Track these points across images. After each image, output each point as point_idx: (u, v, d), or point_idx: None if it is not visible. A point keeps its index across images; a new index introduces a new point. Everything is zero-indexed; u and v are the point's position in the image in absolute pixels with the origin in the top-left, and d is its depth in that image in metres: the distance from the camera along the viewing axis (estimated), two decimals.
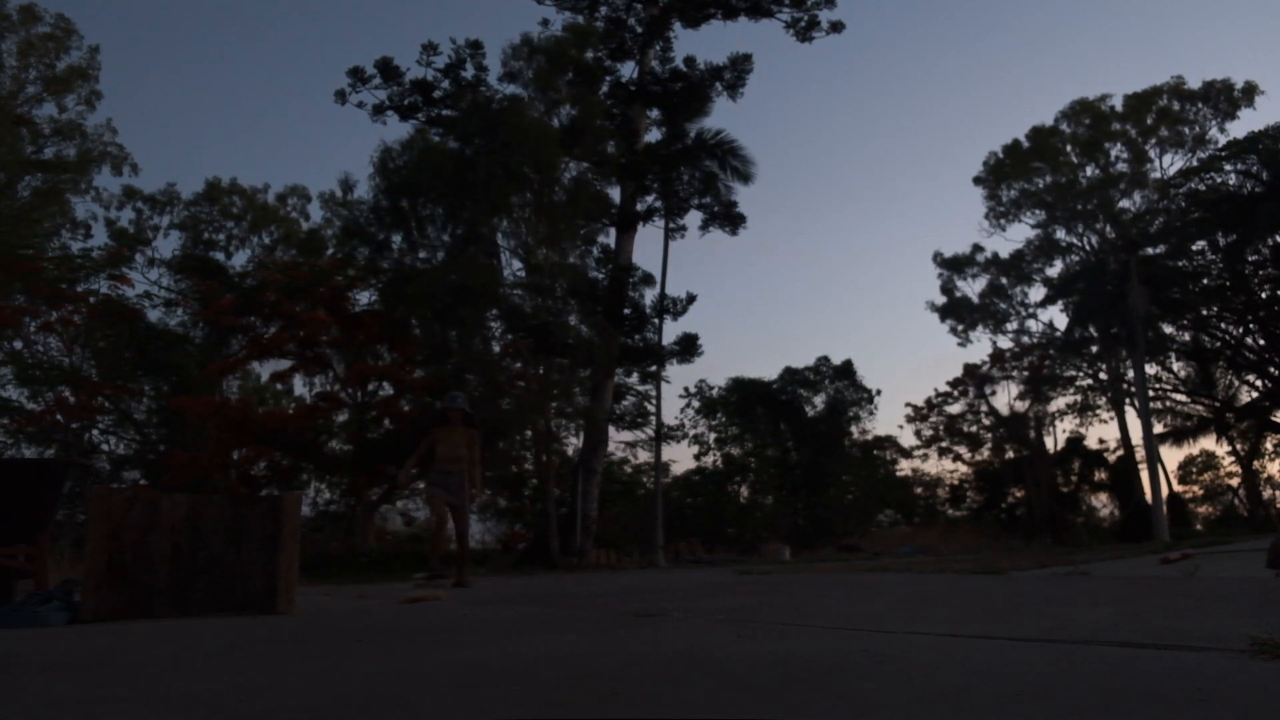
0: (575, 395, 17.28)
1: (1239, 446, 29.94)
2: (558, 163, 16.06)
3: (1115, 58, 54.74)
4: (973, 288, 30.39)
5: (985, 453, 30.39)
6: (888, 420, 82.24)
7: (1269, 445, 30.84)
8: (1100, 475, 29.03)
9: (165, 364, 18.86)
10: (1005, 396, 31.83)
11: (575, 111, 17.14)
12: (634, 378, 20.35)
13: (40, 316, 17.81)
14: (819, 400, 28.55)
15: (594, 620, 3.39)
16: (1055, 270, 28.84)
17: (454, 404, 7.81)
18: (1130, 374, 25.89)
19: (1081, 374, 29.59)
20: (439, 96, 18.65)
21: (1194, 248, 25.36)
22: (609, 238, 18.87)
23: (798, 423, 27.65)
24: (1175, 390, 29.02)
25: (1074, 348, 27.43)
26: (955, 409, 30.53)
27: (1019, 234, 44.56)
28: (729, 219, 18.82)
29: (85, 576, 4.01)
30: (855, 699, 1.59)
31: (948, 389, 30.48)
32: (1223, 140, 26.09)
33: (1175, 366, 28.77)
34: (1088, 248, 28.29)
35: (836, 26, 20.19)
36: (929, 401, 31.00)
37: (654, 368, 18.72)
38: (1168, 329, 26.91)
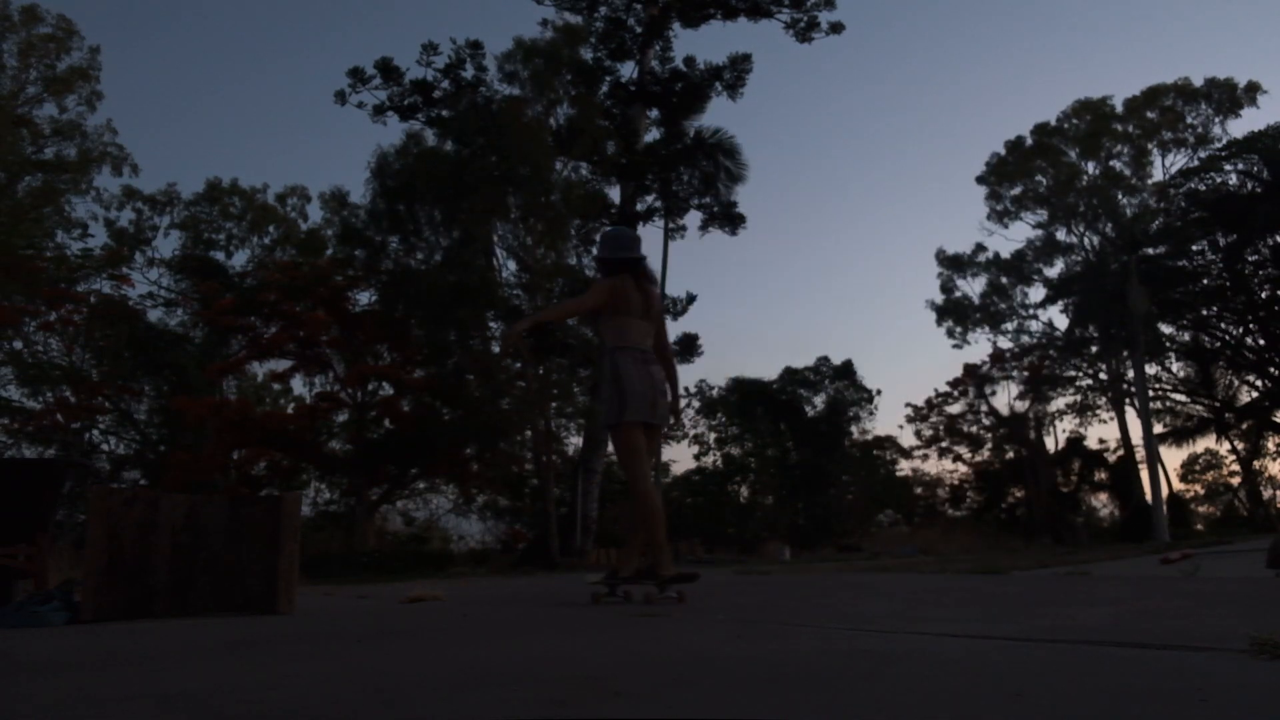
0: (575, 395, 17.26)
1: (1239, 446, 29.95)
2: (551, 163, 16.06)
3: (1119, 57, 54.77)
4: (973, 287, 30.47)
5: (985, 453, 30.41)
6: (888, 420, 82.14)
7: (1270, 445, 30.86)
8: (1100, 475, 29.04)
9: (165, 364, 18.86)
10: (1005, 396, 31.89)
11: (573, 112, 17.15)
12: None
13: (40, 316, 17.82)
14: (819, 400, 28.56)
15: (594, 620, 3.39)
16: (1056, 270, 28.91)
17: (639, 251, 4.49)
18: (1130, 374, 25.89)
19: (1081, 374, 29.61)
20: (439, 97, 18.63)
21: (1194, 248, 25.35)
22: None
23: (798, 423, 27.64)
24: (1175, 390, 29.03)
25: (1074, 348, 27.44)
26: (955, 409, 30.57)
27: (1020, 233, 44.65)
28: (729, 219, 18.82)
29: (85, 576, 4.01)
30: (855, 699, 1.59)
31: (948, 389, 30.52)
32: (1225, 138, 26.15)
33: (1175, 366, 28.80)
34: (1088, 247, 28.31)
35: (836, 27, 20.17)
36: (929, 401, 31.03)
37: None
38: (1168, 329, 26.92)
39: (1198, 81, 27.35)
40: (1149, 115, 27.48)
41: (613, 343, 4.21)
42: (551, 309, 4.21)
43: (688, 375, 28.28)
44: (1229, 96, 26.98)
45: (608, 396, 4.15)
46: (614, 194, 18.98)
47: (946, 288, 30.50)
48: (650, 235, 25.59)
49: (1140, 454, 25.87)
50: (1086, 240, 28.55)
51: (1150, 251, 25.08)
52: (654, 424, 4.18)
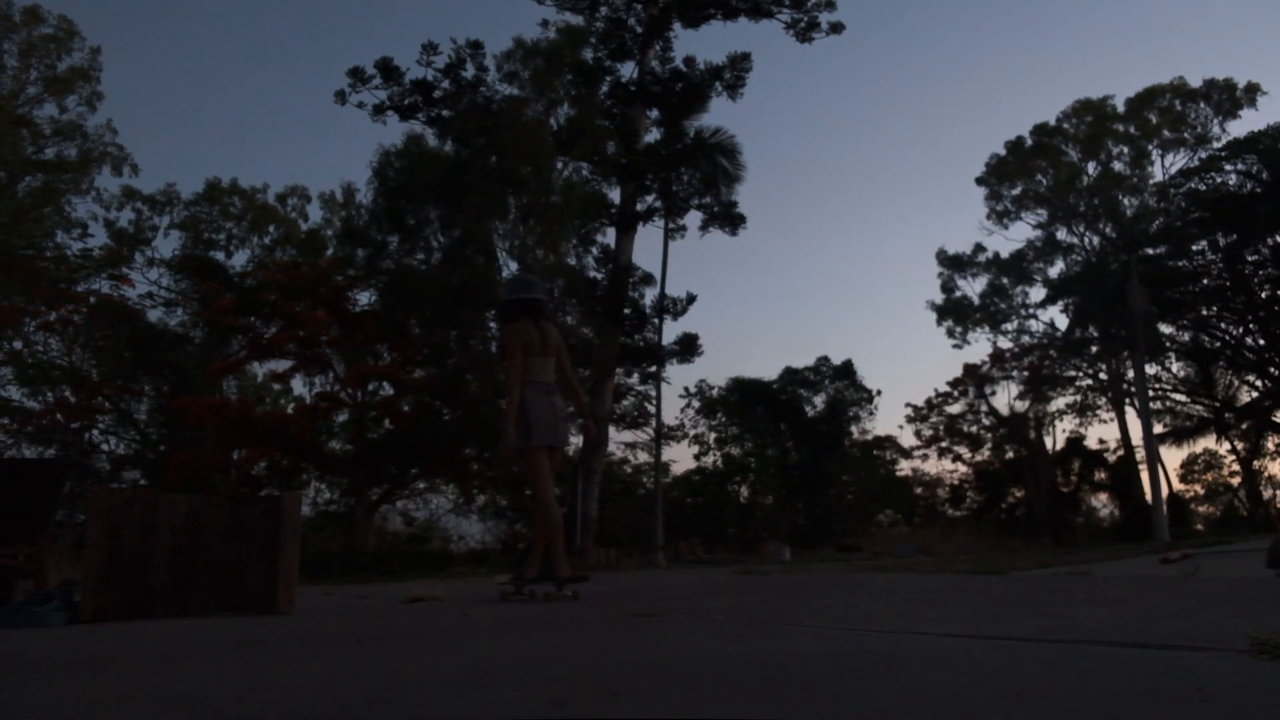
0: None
1: (1239, 446, 29.95)
2: (552, 164, 16.05)
3: (1119, 57, 54.73)
4: (973, 287, 30.46)
5: (985, 453, 30.41)
6: (888, 420, 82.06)
7: (1269, 445, 30.86)
8: (1100, 475, 29.04)
9: (165, 364, 18.86)
10: (1005, 396, 31.88)
11: (573, 112, 17.15)
12: (634, 378, 20.35)
13: (40, 316, 17.81)
14: (819, 400, 28.57)
15: (594, 620, 3.39)
16: (1056, 270, 28.91)
17: (539, 293, 5.16)
18: (1130, 374, 25.88)
19: (1081, 374, 29.60)
20: (439, 97, 18.63)
21: (1194, 248, 25.35)
22: (609, 238, 18.88)
23: (798, 423, 27.65)
24: (1175, 390, 29.02)
25: (1074, 348, 27.43)
26: (955, 409, 30.59)
27: (1020, 233, 44.66)
28: (729, 219, 18.81)
29: (85, 576, 4.01)
30: (855, 699, 1.59)
31: (948, 389, 30.53)
32: (1224, 139, 26.15)
33: (1175, 366, 28.79)
34: (1088, 247, 28.31)
35: (836, 28, 20.14)
36: (929, 401, 31.04)
37: (654, 368, 18.71)
38: (1168, 329, 26.91)
39: (1195, 82, 27.37)
40: (1149, 116, 27.48)
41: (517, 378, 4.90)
42: (511, 395, 4.91)
43: (688, 375, 28.37)
44: (1228, 97, 26.98)
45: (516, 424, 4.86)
46: (614, 194, 18.99)
47: (947, 288, 30.51)
48: (650, 235, 25.58)
49: (1140, 454, 25.88)
50: (1086, 240, 28.55)
51: (1150, 251, 25.07)
52: (556, 447, 4.91)
